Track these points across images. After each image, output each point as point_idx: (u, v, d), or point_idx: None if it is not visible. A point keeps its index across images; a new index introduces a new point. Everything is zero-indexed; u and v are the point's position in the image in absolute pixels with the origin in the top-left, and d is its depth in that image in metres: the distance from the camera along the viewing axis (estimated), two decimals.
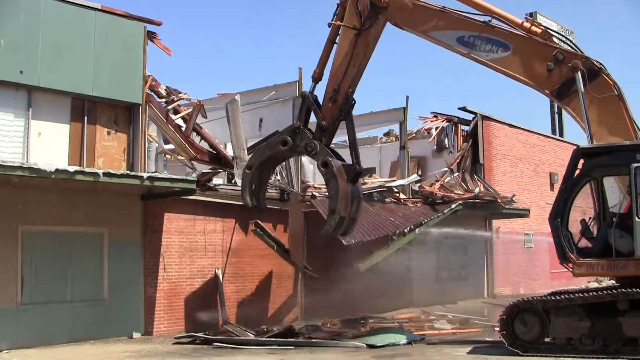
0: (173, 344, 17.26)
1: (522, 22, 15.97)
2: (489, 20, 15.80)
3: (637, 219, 14.00)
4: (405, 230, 23.09)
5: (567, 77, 15.16)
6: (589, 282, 29.92)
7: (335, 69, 16.26)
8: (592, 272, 15.55)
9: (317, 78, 16.63)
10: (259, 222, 20.55)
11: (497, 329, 16.60)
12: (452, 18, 16.00)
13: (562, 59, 15.08)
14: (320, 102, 16.56)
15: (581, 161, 14.77)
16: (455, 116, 31.77)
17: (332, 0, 16.62)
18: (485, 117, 32.16)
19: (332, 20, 16.38)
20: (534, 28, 15.81)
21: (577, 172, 14.78)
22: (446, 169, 30.15)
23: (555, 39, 15.94)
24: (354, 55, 16.06)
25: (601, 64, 15.27)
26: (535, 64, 15.55)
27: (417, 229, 23.54)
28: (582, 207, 15.49)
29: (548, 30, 15.88)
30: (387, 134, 38.86)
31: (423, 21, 16.19)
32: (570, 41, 15.99)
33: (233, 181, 21.77)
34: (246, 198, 16.23)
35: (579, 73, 14.89)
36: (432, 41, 16.27)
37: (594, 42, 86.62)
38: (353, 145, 16.67)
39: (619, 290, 14.13)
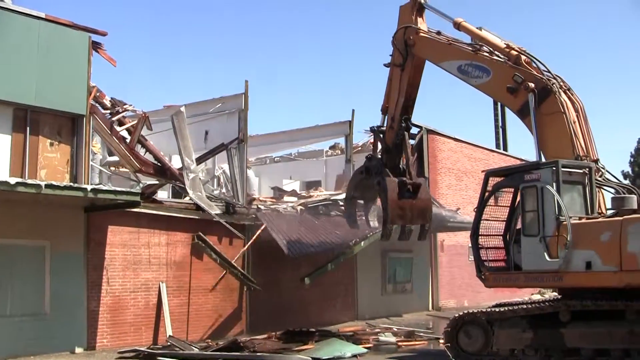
0: (116, 358, 17.02)
1: (504, 47, 16.91)
2: (479, 48, 17.14)
3: (523, 235, 14.96)
4: (351, 244, 23.21)
5: (526, 97, 15.82)
6: (532, 294, 30.37)
7: (391, 102, 19.06)
8: (498, 284, 16.16)
9: (384, 110, 19.54)
10: (201, 234, 20.46)
11: (441, 341, 16.80)
12: (454, 49, 17.63)
13: (520, 81, 15.82)
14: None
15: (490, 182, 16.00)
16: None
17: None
18: (430, 131, 32.46)
19: (387, 63, 19.11)
20: (512, 52, 16.57)
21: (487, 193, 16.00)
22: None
23: (526, 58, 16.47)
24: (400, 87, 18.62)
25: (560, 81, 16.03)
26: (506, 87, 16.30)
27: (362, 242, 23.65)
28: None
29: (522, 53, 16.48)
30: (332, 147, 38.98)
31: (437, 54, 17.99)
32: (538, 60, 16.49)
33: (184, 196, 21.55)
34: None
35: (531, 94, 15.61)
36: (446, 71, 17.77)
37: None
38: (407, 163, 19.38)
39: (561, 301, 14.49)
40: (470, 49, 17.34)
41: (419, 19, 18.58)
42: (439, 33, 18.27)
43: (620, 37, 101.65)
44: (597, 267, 13.61)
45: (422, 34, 18.20)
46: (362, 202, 20.79)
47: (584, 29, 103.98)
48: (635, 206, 14.00)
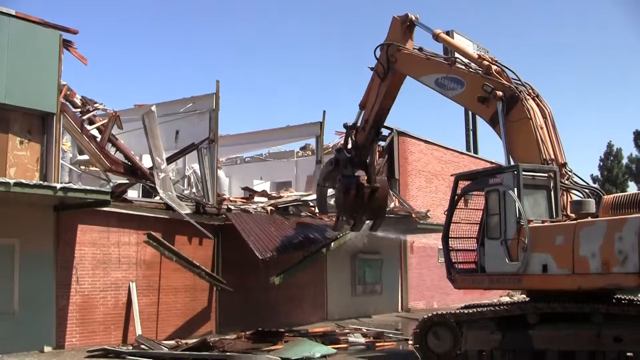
0: (85, 357, 16.98)
1: (476, 58, 17.51)
2: (454, 61, 17.59)
3: (487, 238, 15.24)
4: (320, 245, 23.29)
5: (497, 107, 16.13)
6: (501, 296, 30.63)
7: (368, 104, 19.55)
8: (465, 285, 16.42)
9: (361, 106, 20.00)
10: (152, 233, 20.30)
11: (410, 342, 16.94)
12: (432, 63, 17.99)
13: (490, 91, 16.17)
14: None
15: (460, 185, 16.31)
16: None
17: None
18: (401, 133, 32.66)
19: (372, 67, 19.42)
20: (484, 62, 16.98)
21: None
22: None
23: (497, 68, 16.88)
24: (378, 96, 19.11)
25: (528, 89, 16.48)
26: (477, 97, 16.66)
27: (332, 243, 23.72)
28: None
29: (493, 63, 16.92)
30: (303, 148, 39.05)
31: (417, 69, 18.31)
32: (508, 68, 16.92)
33: (154, 195, 21.48)
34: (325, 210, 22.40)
35: (500, 102, 15.95)
36: (425, 85, 18.17)
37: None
38: (371, 164, 20.45)
39: (529, 304, 14.71)
40: (446, 62, 17.78)
41: (408, 37, 18.89)
42: (421, 49, 18.61)
43: (592, 41, 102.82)
44: (552, 270, 13.89)
45: (404, 52, 18.49)
46: (331, 190, 21.57)
47: (558, 30, 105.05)
48: (593, 210, 14.23)
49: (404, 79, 19.11)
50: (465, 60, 17.67)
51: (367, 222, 21.09)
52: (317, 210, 25.76)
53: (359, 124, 20.01)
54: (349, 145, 20.20)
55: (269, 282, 21.37)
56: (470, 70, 17.22)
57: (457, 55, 18.12)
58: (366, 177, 19.96)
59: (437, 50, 18.98)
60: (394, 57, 18.58)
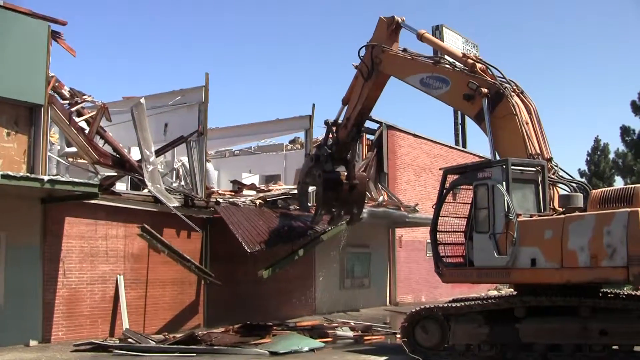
0: (72, 351, 16.86)
1: (461, 56, 17.70)
2: (439, 60, 17.86)
3: (475, 232, 15.29)
4: (309, 238, 23.28)
5: (482, 104, 16.28)
6: (489, 289, 30.69)
7: (351, 102, 19.80)
8: (454, 279, 16.62)
9: (344, 102, 20.14)
10: (146, 226, 20.31)
11: (398, 336, 16.95)
12: (416, 63, 18.14)
13: (475, 88, 16.36)
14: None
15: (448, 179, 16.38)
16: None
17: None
18: (390, 127, 32.66)
19: (356, 65, 19.53)
20: (469, 61, 17.16)
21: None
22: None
23: (482, 66, 17.00)
24: (361, 95, 19.37)
25: (513, 85, 16.59)
26: (463, 94, 16.83)
27: (321, 237, 23.71)
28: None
29: (477, 61, 17.10)
30: (292, 142, 39.05)
31: (402, 70, 18.46)
32: (493, 66, 17.01)
33: (142, 188, 21.41)
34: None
35: (485, 99, 16.10)
36: (410, 85, 18.27)
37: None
38: (351, 160, 20.79)
39: (517, 297, 14.77)
40: (430, 61, 18.02)
41: (394, 39, 19.05)
42: (405, 50, 18.75)
43: (575, 38, 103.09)
44: (541, 264, 13.96)
45: (389, 53, 18.64)
46: (312, 187, 22.02)
47: (541, 27, 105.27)
48: (581, 204, 14.27)
49: (388, 80, 19.29)
50: (451, 60, 17.81)
51: (345, 216, 21.70)
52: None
53: (340, 120, 20.22)
54: (330, 142, 20.44)
55: (257, 275, 21.35)
56: (455, 68, 17.34)
57: (446, 54, 18.25)
58: (346, 173, 20.44)
59: (421, 51, 19.11)
60: (378, 58, 18.76)
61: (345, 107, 20.11)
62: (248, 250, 20.45)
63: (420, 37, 18.69)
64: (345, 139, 20.06)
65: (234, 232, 21.00)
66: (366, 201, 27.46)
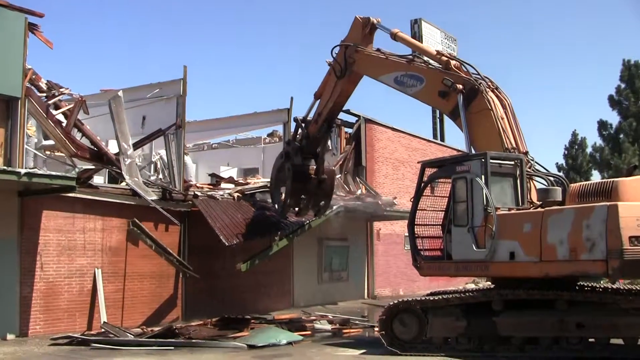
0: (49, 345, 16.81)
1: (435, 54, 17.86)
2: (413, 58, 17.92)
3: (453, 225, 15.38)
4: (288, 231, 23.31)
5: (457, 100, 16.46)
6: (466, 283, 30.84)
7: (323, 98, 19.97)
8: (431, 272, 16.70)
9: (317, 96, 20.31)
10: (136, 221, 20.34)
11: (376, 329, 17.01)
12: (390, 62, 18.25)
13: (450, 84, 16.51)
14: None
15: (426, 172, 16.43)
16: (338, 118, 32.14)
17: None
18: (368, 120, 32.71)
19: (329, 62, 19.66)
20: (443, 58, 17.38)
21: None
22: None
23: (456, 63, 17.26)
24: (333, 93, 19.57)
25: (487, 80, 16.76)
26: (438, 91, 17.01)
27: (298, 230, 23.75)
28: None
29: (452, 58, 17.39)
30: (270, 135, 39.01)
31: (376, 69, 18.62)
32: (467, 63, 17.21)
33: (120, 181, 21.32)
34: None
35: (460, 95, 16.28)
36: (385, 84, 18.41)
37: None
38: (321, 155, 20.85)
39: (494, 291, 14.87)
40: (404, 60, 18.02)
41: (369, 40, 19.14)
42: (379, 50, 18.86)
43: (551, 34, 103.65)
44: (520, 257, 14.05)
45: (363, 53, 18.77)
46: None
47: (519, 24, 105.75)
48: (559, 198, 14.41)
49: (361, 79, 19.44)
50: (425, 58, 17.96)
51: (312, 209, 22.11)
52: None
53: (311, 115, 20.52)
54: (299, 137, 20.79)
55: (235, 268, 21.35)
56: (430, 66, 17.51)
57: (420, 53, 18.39)
58: (315, 167, 20.71)
59: (395, 50, 19.13)
60: (352, 58, 18.90)
61: (317, 102, 20.29)
62: (226, 243, 20.48)
63: (394, 36, 18.77)
64: (316, 134, 20.29)
65: (212, 225, 21.01)
66: (343, 194, 27.59)
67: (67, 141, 19.81)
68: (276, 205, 22.27)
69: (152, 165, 26.78)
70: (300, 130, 20.75)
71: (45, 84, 20.70)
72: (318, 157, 20.77)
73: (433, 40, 45.88)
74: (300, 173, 20.56)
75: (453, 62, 17.08)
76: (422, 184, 16.39)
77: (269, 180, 27.31)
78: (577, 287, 15.03)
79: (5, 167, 16.64)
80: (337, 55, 19.27)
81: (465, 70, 17.01)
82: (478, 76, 16.78)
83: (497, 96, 16.57)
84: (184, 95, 23.13)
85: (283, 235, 23.23)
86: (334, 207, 25.09)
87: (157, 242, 21.13)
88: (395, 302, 15.89)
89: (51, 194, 18.15)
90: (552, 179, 15.81)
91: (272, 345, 16.78)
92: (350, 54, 18.89)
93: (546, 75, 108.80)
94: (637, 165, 21.10)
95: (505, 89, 16.90)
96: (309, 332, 19.15)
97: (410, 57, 18.08)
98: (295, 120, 21.08)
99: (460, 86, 16.38)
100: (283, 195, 21.46)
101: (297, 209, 21.86)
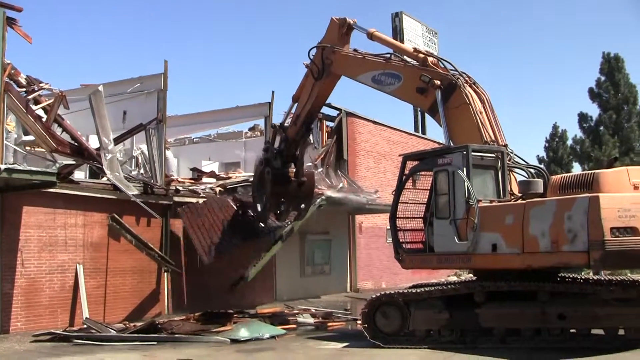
0: (31, 342, 16.74)
1: (412, 51, 18.01)
2: (390, 56, 18.02)
3: (435, 218, 15.48)
4: (277, 232, 23.56)
5: (435, 96, 16.60)
6: (448, 275, 30.96)
7: (301, 101, 19.96)
8: (414, 265, 16.70)
9: (295, 99, 20.27)
10: (116, 216, 20.29)
11: (359, 322, 17.05)
12: (368, 62, 18.34)
13: (428, 81, 16.68)
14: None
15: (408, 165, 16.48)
16: (319, 112, 32.14)
17: None
18: (349, 114, 32.71)
19: (307, 64, 19.68)
20: (420, 55, 17.53)
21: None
22: (310, 164, 30.43)
23: (433, 59, 17.44)
24: (311, 95, 19.58)
25: (464, 76, 16.88)
26: (415, 88, 17.13)
27: (289, 232, 24.05)
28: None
29: (429, 55, 17.55)
30: (252, 129, 38.95)
31: (353, 69, 18.74)
32: (444, 59, 17.38)
33: (101, 176, 21.24)
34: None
35: (438, 91, 16.44)
36: (363, 83, 18.47)
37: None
38: (300, 157, 20.81)
39: (476, 283, 14.94)
40: (381, 59, 18.14)
41: (345, 41, 19.27)
42: (355, 50, 18.99)
43: (532, 27, 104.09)
44: (502, 249, 14.13)
45: (340, 53, 18.88)
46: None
47: (502, 19, 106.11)
48: (541, 190, 14.48)
49: (339, 79, 19.53)
50: (402, 56, 18.05)
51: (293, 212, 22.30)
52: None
53: (288, 121, 20.75)
54: (277, 143, 20.83)
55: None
56: (407, 63, 17.62)
57: (397, 51, 18.46)
58: (294, 170, 20.77)
59: (372, 50, 19.22)
60: (329, 59, 18.98)
61: (295, 104, 20.29)
62: (206, 261, 20.97)
63: (371, 36, 18.86)
64: (295, 137, 20.31)
65: (194, 242, 21.66)
66: (325, 188, 27.61)
67: (47, 136, 19.66)
68: (258, 207, 21.98)
69: (134, 160, 26.69)
70: (278, 136, 20.79)
71: (25, 79, 20.58)
72: (297, 160, 20.80)
73: (414, 33, 46.00)
74: (280, 176, 20.56)
75: (430, 59, 17.24)
76: (404, 177, 16.42)
77: (250, 174, 27.39)
78: (558, 279, 15.14)
79: None
80: (314, 56, 19.33)
81: (442, 66, 17.13)
82: (455, 72, 16.87)
83: (474, 91, 16.69)
84: (165, 89, 23.06)
85: (275, 237, 23.68)
86: (317, 201, 25.09)
87: (137, 237, 21.05)
88: (378, 295, 15.92)
89: (32, 190, 18.03)
90: (532, 171, 15.94)
91: (255, 340, 16.82)
92: (327, 55, 18.97)
93: (526, 69, 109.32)
94: (617, 157, 21.27)
95: (486, 82, 17.05)
96: (292, 326, 19.19)
97: (388, 55, 18.16)
98: (273, 126, 21.36)
99: (437, 82, 16.52)
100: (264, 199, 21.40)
101: (277, 212, 21.92)
